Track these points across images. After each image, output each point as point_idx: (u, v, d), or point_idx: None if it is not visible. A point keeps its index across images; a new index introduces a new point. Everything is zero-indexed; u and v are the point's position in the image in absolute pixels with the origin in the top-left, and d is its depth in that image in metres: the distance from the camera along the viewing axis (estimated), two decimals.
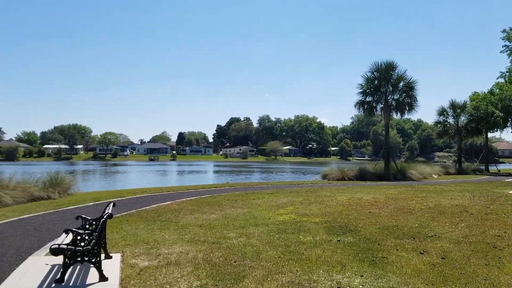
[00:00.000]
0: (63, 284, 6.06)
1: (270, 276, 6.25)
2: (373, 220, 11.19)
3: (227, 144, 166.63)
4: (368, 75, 34.47)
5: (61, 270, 6.15)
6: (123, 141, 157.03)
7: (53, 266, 6.94)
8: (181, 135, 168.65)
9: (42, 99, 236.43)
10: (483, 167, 51.04)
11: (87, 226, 7.55)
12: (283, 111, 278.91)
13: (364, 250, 7.82)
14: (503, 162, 49.18)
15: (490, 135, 56.07)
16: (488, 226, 10.23)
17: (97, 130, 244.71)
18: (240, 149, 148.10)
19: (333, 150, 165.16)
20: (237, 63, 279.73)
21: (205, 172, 65.50)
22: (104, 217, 6.28)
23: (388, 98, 34.42)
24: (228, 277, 6.18)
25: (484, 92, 46.74)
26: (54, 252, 6.02)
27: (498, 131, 47.14)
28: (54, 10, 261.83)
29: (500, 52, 41.93)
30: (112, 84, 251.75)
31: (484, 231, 9.66)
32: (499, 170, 51.26)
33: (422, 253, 7.60)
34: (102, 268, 6.30)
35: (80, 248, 6.14)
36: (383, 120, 35.26)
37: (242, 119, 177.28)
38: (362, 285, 5.82)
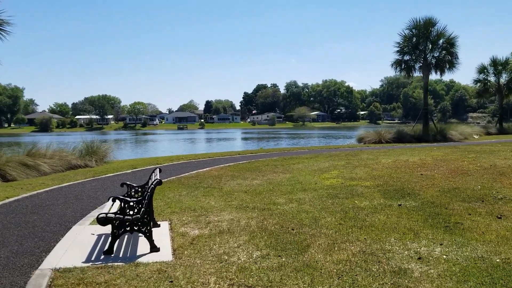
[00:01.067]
0: (112, 255, 5.61)
1: (336, 245, 5.64)
2: (429, 183, 10.42)
3: (254, 111, 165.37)
4: (406, 33, 32.74)
5: (110, 240, 5.71)
6: (152, 110, 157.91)
7: (100, 236, 6.52)
8: (208, 104, 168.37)
9: (72, 71, 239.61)
10: None
11: (133, 193, 7.09)
12: (309, 76, 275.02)
13: (432, 215, 7.11)
14: None
15: None
16: None
17: (126, 101, 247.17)
18: (267, 116, 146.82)
19: (362, 114, 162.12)
20: (262, 29, 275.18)
21: (235, 139, 65.20)
22: (154, 183, 5.74)
23: (427, 56, 32.74)
24: (290, 247, 5.60)
25: None
26: (102, 221, 5.56)
27: None
28: None
29: None
30: (138, 53, 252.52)
31: None
32: None
33: (499, 218, 6.84)
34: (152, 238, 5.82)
35: (129, 217, 5.65)
36: (422, 79, 33.68)
37: (269, 85, 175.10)
38: (446, 255, 5.14)
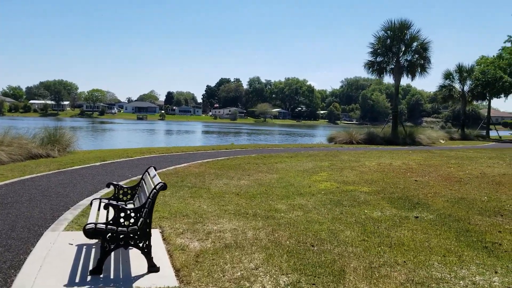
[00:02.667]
0: (101, 277, 4.50)
1: (375, 270, 4.75)
2: (429, 191, 9.78)
3: (216, 105, 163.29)
4: (380, 34, 32.53)
5: (98, 257, 4.58)
6: (110, 99, 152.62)
7: (80, 247, 5.36)
8: (169, 95, 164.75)
9: (28, 53, 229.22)
10: (484, 133, 50.35)
11: (121, 196, 5.94)
12: (272, 73, 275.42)
13: (461, 232, 6.36)
14: (491, 129, 49.52)
15: (476, 102, 55.37)
16: None
17: (83, 87, 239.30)
18: (229, 111, 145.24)
19: (321, 114, 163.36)
20: (228, 23, 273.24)
21: (199, 133, 63.64)
22: (157, 187, 4.65)
23: (400, 59, 32.64)
24: (321, 271, 4.66)
25: (493, 56, 45.11)
26: (90, 233, 4.47)
27: (503, 96, 45.87)
28: None
29: None
30: (99, 40, 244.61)
31: None
32: (500, 137, 50.52)
33: None
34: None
35: (124, 229, 4.55)
36: (394, 82, 33.56)
37: (232, 80, 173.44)
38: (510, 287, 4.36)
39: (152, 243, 5.14)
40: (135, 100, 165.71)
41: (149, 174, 5.78)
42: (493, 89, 43.93)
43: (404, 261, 5.00)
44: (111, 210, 4.91)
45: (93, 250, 5.26)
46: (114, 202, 4.90)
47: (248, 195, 8.90)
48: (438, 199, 8.82)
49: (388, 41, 32.50)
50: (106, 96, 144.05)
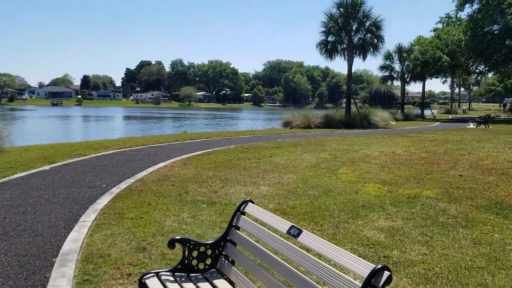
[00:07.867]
0: None
1: None
2: (503, 191, 7.76)
3: (138, 89, 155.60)
4: (333, 12, 30.68)
5: None
6: (20, 83, 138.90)
7: None
8: (86, 78, 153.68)
9: None
10: (419, 112, 51.12)
11: (195, 262, 3.05)
12: (194, 56, 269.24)
13: None
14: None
15: (415, 83, 56.59)
16: None
17: None
18: (152, 94, 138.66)
19: (246, 97, 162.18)
20: (140, 4, 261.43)
21: (130, 119, 58.56)
22: (377, 282, 1.91)
23: (353, 38, 31.02)
24: None
25: (432, 36, 45.35)
26: None
27: (440, 76, 46.51)
28: None
29: None
30: (2, 20, 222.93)
31: None
32: (434, 116, 51.56)
33: None
34: None
35: None
36: (347, 62, 31.84)
37: (153, 63, 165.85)
38: None
39: None
40: (48, 85, 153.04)
41: (243, 214, 3.00)
42: (431, 69, 44.18)
43: None
44: None
45: None
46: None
47: (299, 213, 6.25)
48: None
49: (341, 19, 30.74)
50: (15, 81, 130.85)
